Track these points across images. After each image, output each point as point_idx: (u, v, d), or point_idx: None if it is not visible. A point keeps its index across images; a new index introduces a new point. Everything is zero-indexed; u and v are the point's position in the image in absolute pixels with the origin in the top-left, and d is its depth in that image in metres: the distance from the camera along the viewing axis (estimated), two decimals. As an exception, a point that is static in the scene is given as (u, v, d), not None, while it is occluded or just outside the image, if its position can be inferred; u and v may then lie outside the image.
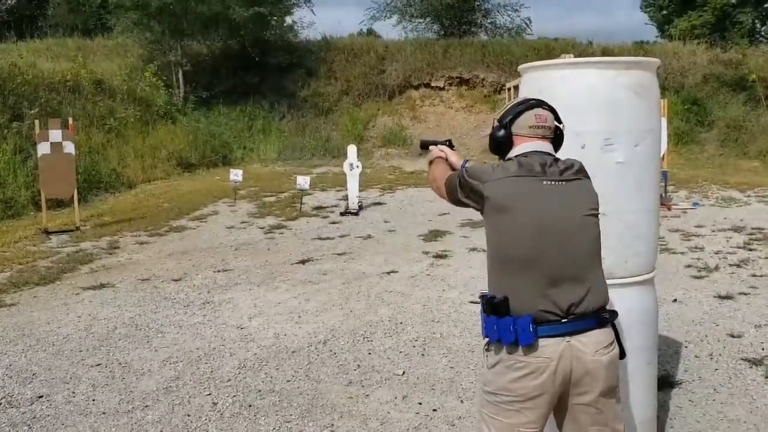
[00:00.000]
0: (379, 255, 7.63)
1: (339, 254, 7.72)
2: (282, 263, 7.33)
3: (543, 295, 2.12)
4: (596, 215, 2.26)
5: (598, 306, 2.18)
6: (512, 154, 2.31)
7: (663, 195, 10.50)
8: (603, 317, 2.18)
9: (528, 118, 2.30)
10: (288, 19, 20.09)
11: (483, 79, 18.59)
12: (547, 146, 2.30)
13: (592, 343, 2.14)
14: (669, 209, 10.09)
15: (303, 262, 7.37)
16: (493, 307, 2.14)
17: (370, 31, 27.04)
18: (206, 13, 17.30)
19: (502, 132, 2.33)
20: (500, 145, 2.34)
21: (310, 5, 20.02)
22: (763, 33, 24.64)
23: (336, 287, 6.31)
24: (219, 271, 6.98)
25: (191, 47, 18.53)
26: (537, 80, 2.91)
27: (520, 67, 3.01)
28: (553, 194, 2.18)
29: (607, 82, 2.76)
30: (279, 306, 5.78)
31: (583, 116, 2.73)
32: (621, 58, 2.88)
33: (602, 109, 2.77)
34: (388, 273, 6.81)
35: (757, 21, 24.55)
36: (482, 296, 2.21)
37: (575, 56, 3.03)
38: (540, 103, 2.34)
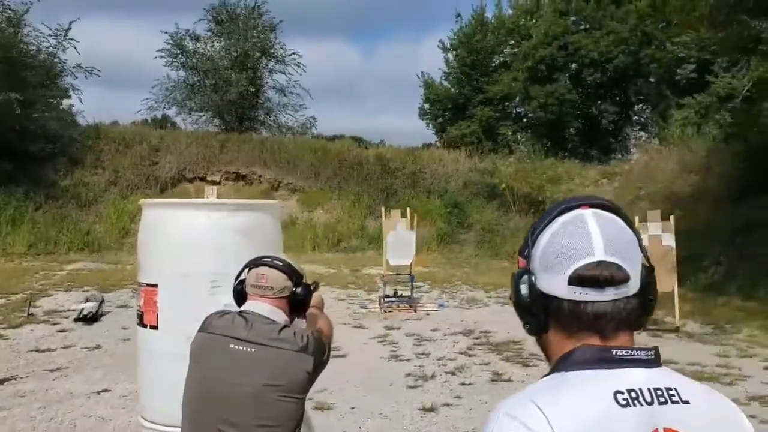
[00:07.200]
0: (100, 369, 6.99)
1: (52, 370, 6.95)
2: (-25, 384, 6.43)
3: None
4: (274, 388, 2.06)
5: None
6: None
7: (411, 296, 10.99)
8: None
9: (251, 276, 2.25)
10: (53, 111, 18.69)
11: (260, 176, 18.71)
12: (263, 307, 2.18)
13: None
14: (415, 311, 10.54)
15: (2, 381, 6.52)
16: None
17: (156, 119, 25.97)
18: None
19: (238, 287, 2.30)
20: (236, 298, 2.32)
21: (78, 93, 19.00)
22: (519, 143, 27.63)
23: (28, 414, 5.61)
24: None
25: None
26: (154, 217, 2.80)
27: (141, 201, 2.90)
28: (231, 357, 2.10)
29: (215, 225, 2.73)
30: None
31: (192, 257, 2.65)
32: (230, 201, 2.90)
33: (210, 251, 2.71)
34: (99, 392, 6.23)
35: (518, 133, 27.53)
36: None
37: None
38: (271, 260, 2.24)
